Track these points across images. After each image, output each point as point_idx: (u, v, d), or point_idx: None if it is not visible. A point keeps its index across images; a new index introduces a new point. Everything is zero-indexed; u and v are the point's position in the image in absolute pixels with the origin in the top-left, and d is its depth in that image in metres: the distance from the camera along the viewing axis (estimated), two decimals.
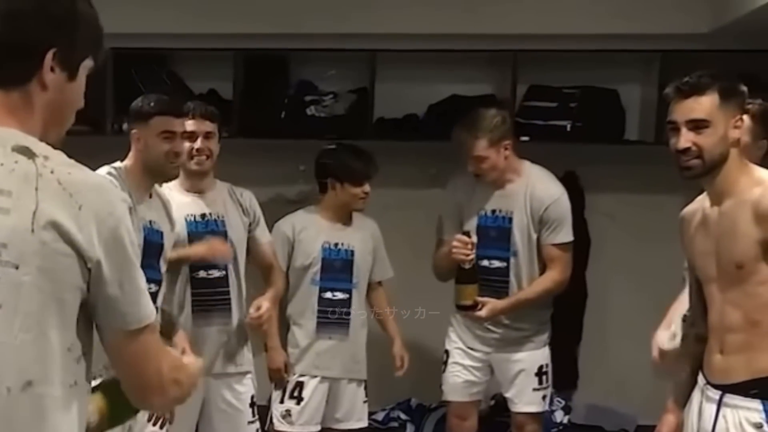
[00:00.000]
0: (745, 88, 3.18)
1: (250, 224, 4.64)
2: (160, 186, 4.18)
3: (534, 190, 4.78)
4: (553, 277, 4.82)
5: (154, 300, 4.08)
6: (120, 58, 5.96)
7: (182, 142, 4.10)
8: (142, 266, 4.20)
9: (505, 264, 4.82)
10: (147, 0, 5.85)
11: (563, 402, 5.94)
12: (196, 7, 5.92)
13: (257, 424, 4.69)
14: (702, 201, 3.31)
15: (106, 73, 5.94)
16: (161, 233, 4.11)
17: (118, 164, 4.05)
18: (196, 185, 4.55)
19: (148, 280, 4.07)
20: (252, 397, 4.66)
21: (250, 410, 4.63)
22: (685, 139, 3.13)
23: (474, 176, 4.78)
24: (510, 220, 4.80)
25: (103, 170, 3.99)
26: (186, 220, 4.48)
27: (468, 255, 4.70)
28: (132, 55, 6.01)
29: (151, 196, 4.12)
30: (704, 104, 3.10)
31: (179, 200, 4.47)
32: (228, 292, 4.53)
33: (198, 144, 4.45)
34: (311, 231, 4.85)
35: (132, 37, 5.81)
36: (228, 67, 5.97)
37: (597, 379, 6.05)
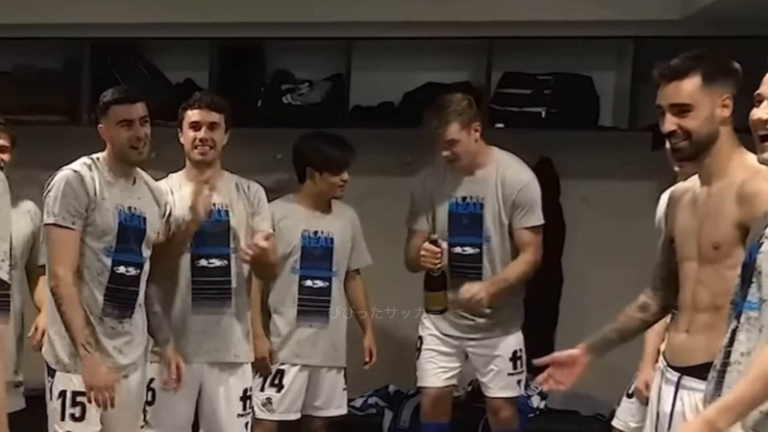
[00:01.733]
0: (736, 66, 3.15)
1: (253, 215, 4.59)
2: (128, 172, 4.16)
3: (504, 175, 4.81)
4: (527, 259, 4.85)
5: (137, 283, 4.10)
6: (96, 48, 5.98)
7: (141, 128, 4.08)
8: (119, 250, 4.19)
9: (477, 250, 4.86)
10: None
11: (540, 387, 5.96)
12: None
13: (247, 419, 4.61)
14: (695, 180, 3.31)
15: (83, 64, 5.95)
16: (143, 218, 4.14)
17: (96, 155, 4.11)
18: (200, 175, 4.50)
19: (126, 264, 4.08)
20: (246, 390, 4.58)
21: (240, 403, 4.56)
22: (670, 122, 3.14)
23: (446, 163, 4.81)
24: (481, 206, 4.84)
25: (81, 160, 4.06)
26: (189, 208, 4.45)
27: (436, 263, 4.72)
28: (108, 45, 6.02)
29: (135, 183, 4.16)
30: (685, 88, 3.10)
31: (184, 189, 4.47)
32: (229, 282, 4.50)
33: (201, 134, 4.45)
34: (291, 219, 4.85)
35: (108, 27, 5.83)
36: (204, 57, 5.97)
37: None
